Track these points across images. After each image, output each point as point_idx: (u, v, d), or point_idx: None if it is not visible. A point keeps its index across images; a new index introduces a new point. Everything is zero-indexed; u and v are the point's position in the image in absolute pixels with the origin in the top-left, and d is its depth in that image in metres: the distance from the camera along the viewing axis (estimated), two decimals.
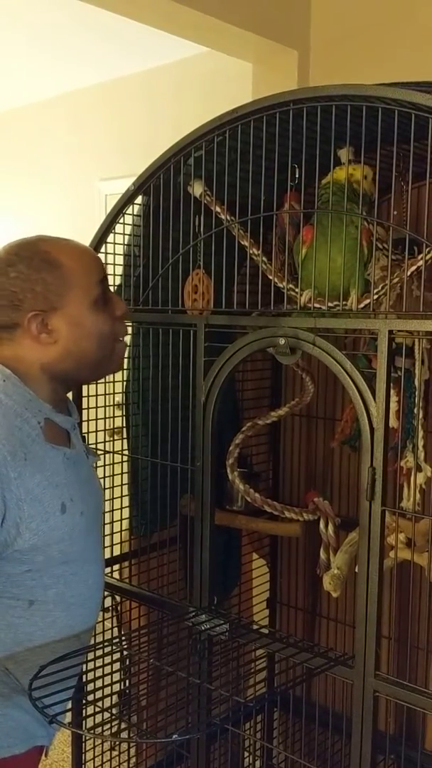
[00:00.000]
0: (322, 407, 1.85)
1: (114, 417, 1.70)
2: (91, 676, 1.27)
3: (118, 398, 1.73)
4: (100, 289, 1.21)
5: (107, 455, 1.65)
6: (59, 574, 1.19)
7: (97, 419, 1.64)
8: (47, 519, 1.14)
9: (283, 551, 1.98)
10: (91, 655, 1.28)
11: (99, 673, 1.23)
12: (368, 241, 1.32)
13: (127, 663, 1.39)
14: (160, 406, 1.59)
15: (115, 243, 1.59)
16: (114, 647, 1.31)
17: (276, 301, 1.36)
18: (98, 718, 1.17)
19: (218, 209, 1.44)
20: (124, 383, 1.71)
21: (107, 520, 1.65)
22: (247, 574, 1.98)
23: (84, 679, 1.34)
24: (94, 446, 1.63)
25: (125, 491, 1.71)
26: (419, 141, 1.18)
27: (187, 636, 1.41)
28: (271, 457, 1.96)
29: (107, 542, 1.67)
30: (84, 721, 1.50)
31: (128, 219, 1.57)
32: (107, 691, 1.21)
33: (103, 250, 1.58)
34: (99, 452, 1.63)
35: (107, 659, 1.26)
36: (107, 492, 1.66)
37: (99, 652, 1.27)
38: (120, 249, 1.60)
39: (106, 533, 1.65)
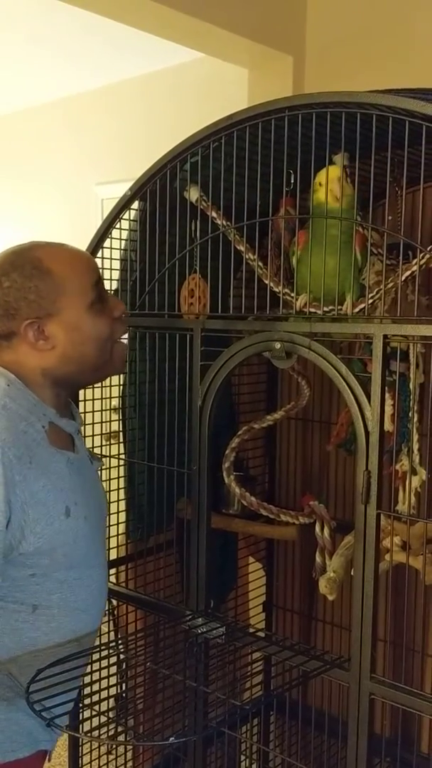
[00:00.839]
0: (318, 411, 1.86)
1: (111, 421, 1.70)
2: (88, 679, 1.27)
3: (115, 402, 1.73)
4: (95, 292, 1.22)
5: (104, 459, 1.66)
6: (63, 579, 1.19)
7: (93, 423, 1.64)
8: (51, 522, 1.15)
9: (279, 554, 1.99)
10: (87, 659, 1.28)
11: (96, 676, 1.23)
12: (361, 245, 1.33)
13: (124, 666, 1.39)
14: (157, 410, 1.60)
15: (111, 248, 1.59)
16: (111, 651, 1.31)
17: (272, 306, 1.37)
18: (95, 722, 1.17)
19: (214, 214, 1.45)
20: (121, 387, 1.72)
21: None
22: (244, 578, 1.99)
23: (81, 683, 1.34)
24: (102, 461, 1.63)
25: (122, 495, 1.71)
26: (413, 147, 1.19)
27: (184, 639, 1.42)
28: (267, 460, 1.97)
29: None
30: (81, 725, 1.50)
31: (125, 224, 1.58)
32: (104, 694, 1.21)
33: (99, 254, 1.59)
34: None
35: (104, 663, 1.26)
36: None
37: (96, 656, 1.27)
38: (117, 254, 1.61)
39: None
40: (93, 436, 1.64)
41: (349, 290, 1.32)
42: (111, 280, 1.61)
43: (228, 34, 2.16)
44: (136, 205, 1.55)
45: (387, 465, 1.36)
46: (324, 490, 1.86)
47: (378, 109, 1.19)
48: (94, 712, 1.18)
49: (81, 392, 1.63)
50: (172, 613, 1.51)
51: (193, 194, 1.46)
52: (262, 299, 1.36)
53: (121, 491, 1.71)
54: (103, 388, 1.65)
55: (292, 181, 1.35)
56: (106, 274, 1.59)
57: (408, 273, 1.23)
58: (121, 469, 1.71)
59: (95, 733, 1.14)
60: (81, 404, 1.63)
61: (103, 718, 1.19)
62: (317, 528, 1.57)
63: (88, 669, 1.26)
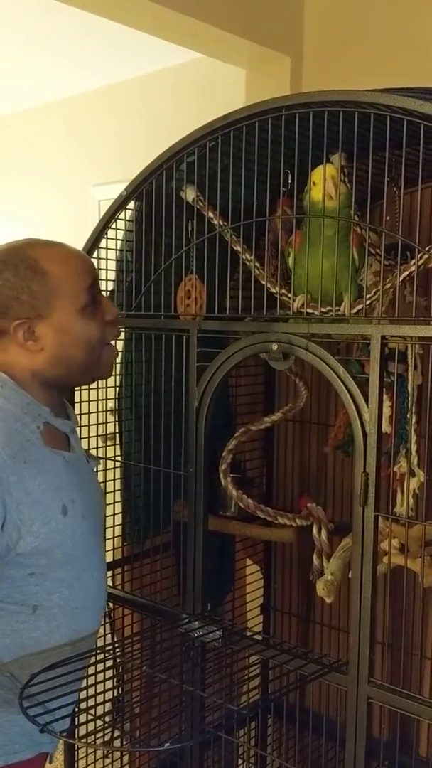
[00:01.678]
0: (315, 412, 1.85)
1: (107, 423, 1.69)
2: (84, 683, 1.26)
3: (112, 404, 1.72)
4: (89, 295, 1.21)
5: (100, 461, 1.65)
6: (62, 578, 1.19)
7: (89, 425, 1.63)
8: (48, 521, 1.14)
9: (277, 557, 1.98)
10: (84, 662, 1.27)
11: (92, 680, 1.22)
12: (358, 244, 1.32)
13: (121, 670, 1.38)
14: (153, 412, 1.59)
15: (107, 248, 1.58)
16: (107, 654, 1.30)
17: (269, 307, 1.36)
18: (91, 726, 1.16)
19: (211, 214, 1.44)
20: (117, 389, 1.71)
21: None
22: (241, 580, 1.98)
23: (80, 686, 1.33)
24: (98, 461, 1.62)
25: (118, 497, 1.70)
26: (411, 147, 1.18)
27: (181, 643, 1.41)
28: (264, 462, 1.96)
29: None
30: (77, 729, 1.49)
31: (121, 224, 1.57)
32: (100, 698, 1.20)
33: (95, 255, 1.58)
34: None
35: (100, 666, 1.25)
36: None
37: (92, 660, 1.27)
38: (113, 254, 1.60)
39: None
40: (89, 437, 1.63)
41: (347, 291, 1.31)
42: (107, 280, 1.60)
43: (226, 35, 2.15)
44: (132, 205, 1.54)
45: (385, 467, 1.36)
46: (322, 492, 1.86)
47: (376, 108, 1.18)
48: (90, 717, 1.17)
49: (78, 393, 1.62)
50: (168, 616, 1.50)
51: (190, 194, 1.45)
52: (259, 300, 1.35)
53: (118, 493, 1.70)
54: (100, 390, 1.64)
55: (290, 181, 1.34)
56: (102, 275, 1.58)
57: (406, 273, 1.22)
58: (118, 470, 1.70)
59: (92, 737, 1.13)
60: (78, 405, 1.62)
61: (100, 723, 1.18)
62: (315, 530, 1.56)
63: (85, 673, 1.25)
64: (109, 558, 1.70)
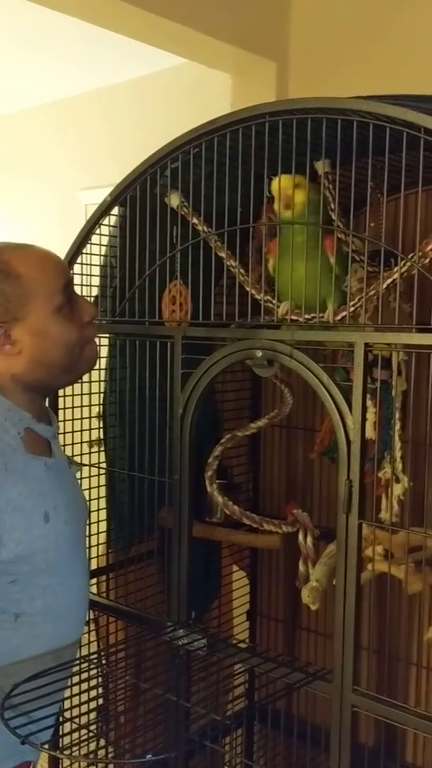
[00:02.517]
0: (301, 418, 1.85)
1: (91, 429, 1.68)
2: (67, 693, 1.25)
3: (97, 410, 1.71)
4: (64, 296, 1.20)
5: (85, 468, 1.64)
6: (45, 585, 1.18)
7: (73, 431, 1.62)
8: (30, 528, 1.14)
9: (263, 563, 1.97)
10: (67, 672, 1.26)
11: (76, 689, 1.22)
12: (333, 249, 1.32)
13: (104, 680, 1.37)
14: (138, 418, 1.58)
15: (91, 254, 1.57)
16: (91, 664, 1.29)
17: (254, 313, 1.36)
18: (75, 736, 1.15)
19: (195, 221, 1.43)
20: (102, 395, 1.70)
21: (85, 533, 1.64)
22: (227, 587, 1.97)
23: (62, 696, 1.32)
24: (80, 467, 1.61)
25: (103, 504, 1.69)
26: (394, 153, 1.18)
27: (165, 651, 1.40)
28: (250, 468, 1.95)
29: None
30: (60, 739, 1.48)
31: (105, 230, 1.56)
32: (84, 708, 1.19)
33: (79, 261, 1.57)
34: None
35: (84, 676, 1.24)
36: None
37: (76, 669, 1.26)
38: (97, 260, 1.59)
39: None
40: (74, 444, 1.62)
41: (329, 297, 1.31)
42: (91, 286, 1.59)
43: (211, 40, 2.15)
44: (116, 211, 1.54)
45: (369, 473, 1.35)
46: (308, 499, 1.85)
47: (359, 115, 1.18)
48: (74, 726, 1.16)
49: (62, 399, 1.61)
50: (153, 624, 1.49)
51: (174, 200, 1.45)
52: (244, 306, 1.35)
53: (103, 500, 1.69)
54: (85, 396, 1.64)
55: None
56: (86, 281, 1.57)
57: (389, 280, 1.22)
58: (103, 477, 1.69)
59: (75, 748, 1.12)
60: (62, 411, 1.61)
61: (84, 732, 1.17)
62: (300, 536, 1.56)
63: (69, 682, 1.24)
64: (93, 565, 1.69)
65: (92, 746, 1.45)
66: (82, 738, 1.16)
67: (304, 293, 1.29)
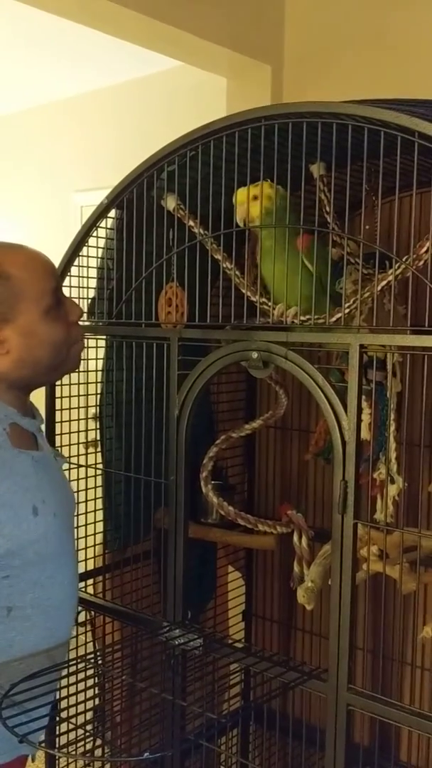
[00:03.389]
0: (296, 419, 1.86)
1: (88, 430, 1.69)
2: (64, 693, 1.26)
3: (93, 411, 1.72)
4: (53, 297, 1.21)
5: (81, 468, 1.65)
6: (35, 578, 1.19)
7: (70, 432, 1.63)
8: (19, 523, 1.15)
9: (258, 564, 1.98)
10: (64, 672, 1.27)
11: (72, 690, 1.22)
12: (306, 248, 1.33)
13: (101, 680, 1.38)
14: (134, 420, 1.59)
15: (88, 256, 1.58)
16: (87, 664, 1.30)
17: (249, 315, 1.37)
18: (71, 735, 1.15)
19: (191, 223, 1.44)
20: (99, 396, 1.71)
21: (81, 534, 1.64)
22: (223, 587, 1.98)
23: (57, 696, 1.33)
24: (67, 459, 1.62)
25: (99, 505, 1.70)
26: (389, 157, 1.19)
27: (161, 651, 1.41)
28: (245, 469, 1.96)
29: (81, 556, 1.66)
30: (57, 738, 1.48)
31: (101, 232, 1.57)
32: (80, 708, 1.20)
33: (76, 263, 1.58)
34: (73, 465, 1.63)
35: (81, 676, 1.25)
36: (81, 506, 1.65)
37: (72, 669, 1.26)
38: (93, 262, 1.60)
39: (80, 547, 1.63)
40: (70, 445, 1.63)
41: (310, 296, 1.32)
42: (88, 288, 1.60)
43: (207, 44, 2.16)
44: (113, 213, 1.55)
45: (364, 474, 1.36)
46: (303, 499, 1.86)
47: (353, 119, 1.19)
48: (71, 726, 1.17)
49: (59, 401, 1.62)
50: (149, 625, 1.50)
51: (170, 203, 1.46)
52: (240, 308, 1.36)
53: (99, 501, 1.70)
54: (81, 397, 1.64)
55: None
56: (83, 283, 1.58)
57: (384, 282, 1.23)
58: (99, 478, 1.70)
59: (72, 747, 1.13)
60: (58, 413, 1.62)
61: (80, 732, 1.17)
62: (295, 537, 1.57)
63: (65, 682, 1.25)
64: (90, 566, 1.70)
65: (89, 746, 1.45)
66: (79, 737, 1.17)
67: (286, 294, 1.31)
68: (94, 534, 1.68)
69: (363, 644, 1.71)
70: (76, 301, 1.50)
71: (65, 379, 1.61)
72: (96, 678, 1.33)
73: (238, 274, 1.41)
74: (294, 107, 1.26)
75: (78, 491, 1.64)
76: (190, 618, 1.47)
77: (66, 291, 1.54)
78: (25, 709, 1.09)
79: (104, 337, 1.65)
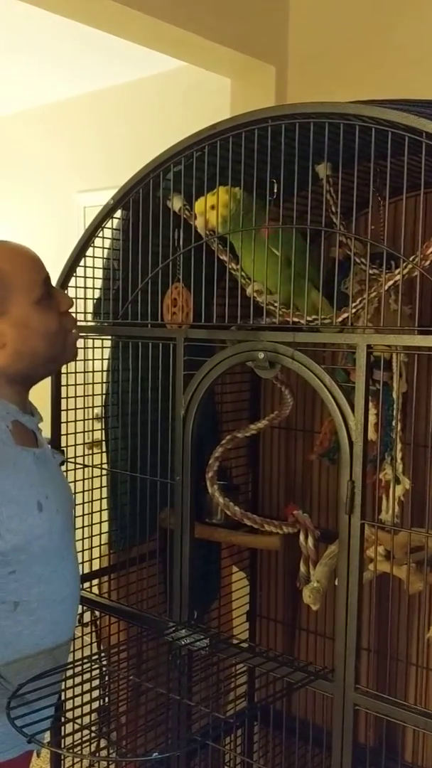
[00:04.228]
0: (301, 420, 1.86)
1: (93, 430, 1.69)
2: (70, 693, 1.26)
3: (98, 411, 1.72)
4: (43, 288, 1.23)
5: (86, 468, 1.65)
6: (41, 573, 1.21)
7: (75, 432, 1.63)
8: (26, 519, 1.17)
9: (263, 564, 1.98)
10: (69, 672, 1.27)
11: (78, 690, 1.22)
12: (270, 236, 1.35)
13: (107, 679, 1.38)
14: (140, 420, 1.59)
15: (94, 257, 1.58)
16: (93, 664, 1.30)
17: (255, 315, 1.37)
18: (77, 736, 1.15)
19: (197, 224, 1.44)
20: (103, 396, 1.71)
21: (86, 534, 1.65)
22: (227, 588, 1.98)
23: (63, 697, 1.33)
24: (72, 459, 1.62)
25: (104, 505, 1.70)
26: (396, 157, 1.19)
27: (167, 651, 1.41)
28: (250, 469, 1.96)
29: (86, 556, 1.66)
30: (63, 739, 1.48)
31: (107, 233, 1.57)
32: (86, 708, 1.20)
33: (82, 263, 1.58)
34: (78, 465, 1.63)
35: (86, 676, 1.25)
36: (86, 506, 1.65)
37: (78, 669, 1.26)
38: (99, 263, 1.60)
39: (85, 547, 1.64)
40: (75, 445, 1.63)
41: (280, 286, 1.33)
42: (94, 288, 1.60)
43: (211, 44, 2.16)
44: (119, 214, 1.55)
45: (370, 474, 1.36)
46: (308, 499, 1.86)
47: (361, 119, 1.19)
48: (76, 726, 1.17)
49: (65, 401, 1.62)
50: (154, 625, 1.50)
51: (176, 203, 1.46)
52: (246, 308, 1.36)
53: (104, 501, 1.70)
54: (86, 397, 1.64)
55: (275, 191, 1.35)
56: (89, 283, 1.58)
57: (390, 282, 1.23)
58: (104, 478, 1.70)
59: (78, 748, 1.13)
60: (64, 413, 1.62)
61: (86, 732, 1.17)
62: (301, 537, 1.56)
63: (71, 683, 1.25)
64: (95, 566, 1.70)
65: (93, 747, 1.45)
66: (84, 738, 1.17)
67: (266, 282, 1.35)
68: (100, 534, 1.68)
69: (368, 644, 1.71)
70: (80, 301, 1.51)
71: (71, 380, 1.61)
72: (101, 678, 1.33)
73: (243, 275, 1.41)
74: (301, 108, 1.26)
75: (83, 491, 1.64)
76: (196, 618, 1.47)
77: (72, 291, 1.54)
78: (32, 709, 1.09)
79: (109, 337, 1.65)
